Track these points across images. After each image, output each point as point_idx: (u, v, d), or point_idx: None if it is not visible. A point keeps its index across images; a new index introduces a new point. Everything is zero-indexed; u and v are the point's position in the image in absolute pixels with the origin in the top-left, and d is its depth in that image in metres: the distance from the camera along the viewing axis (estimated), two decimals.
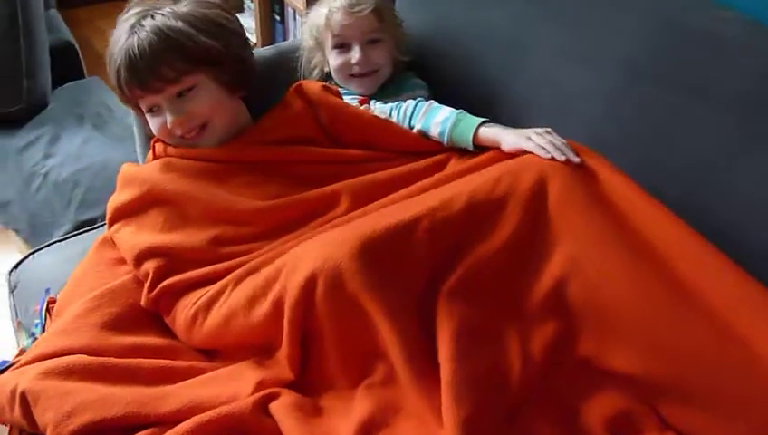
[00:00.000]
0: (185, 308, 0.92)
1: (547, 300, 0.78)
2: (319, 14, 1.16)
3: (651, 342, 0.74)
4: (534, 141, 0.89)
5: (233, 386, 0.82)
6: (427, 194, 0.89)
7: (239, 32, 1.08)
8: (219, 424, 0.76)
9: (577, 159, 0.85)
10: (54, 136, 1.78)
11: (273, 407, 0.78)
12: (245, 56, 1.07)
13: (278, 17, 1.86)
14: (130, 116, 1.93)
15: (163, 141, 1.06)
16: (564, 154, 0.86)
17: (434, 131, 1.03)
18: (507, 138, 0.94)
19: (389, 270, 0.78)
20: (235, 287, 0.89)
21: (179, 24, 0.97)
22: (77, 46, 2.05)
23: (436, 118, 1.03)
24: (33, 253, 1.20)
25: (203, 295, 0.91)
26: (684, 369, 0.73)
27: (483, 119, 0.99)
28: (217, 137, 1.03)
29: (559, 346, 0.77)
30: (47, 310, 1.03)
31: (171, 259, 0.94)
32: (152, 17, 0.97)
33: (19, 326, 1.09)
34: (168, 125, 1.00)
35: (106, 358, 0.86)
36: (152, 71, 0.95)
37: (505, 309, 0.79)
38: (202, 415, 0.77)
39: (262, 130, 1.06)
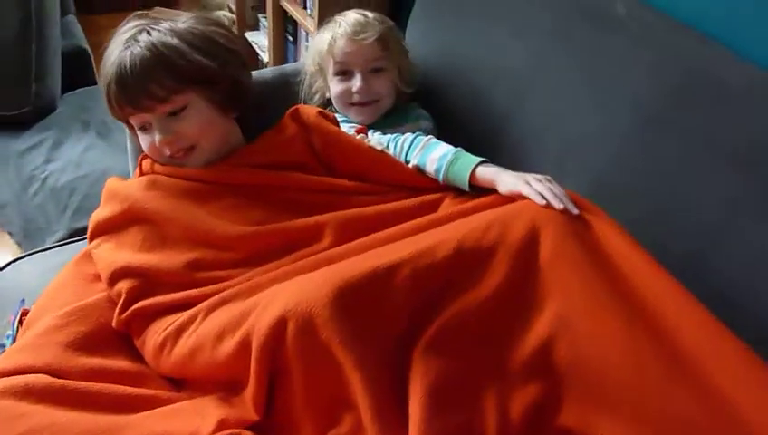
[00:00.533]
0: (155, 334, 0.88)
1: (531, 359, 0.73)
2: (322, 40, 1.14)
3: (640, 413, 0.69)
4: (533, 187, 0.85)
5: (194, 422, 0.78)
6: (413, 238, 0.85)
7: (238, 52, 1.05)
8: None
9: (575, 211, 0.81)
10: (57, 141, 1.77)
11: None
12: (241, 77, 1.05)
13: (291, 37, 1.85)
14: None
15: (151, 158, 1.04)
16: (562, 203, 0.82)
17: (430, 168, 0.99)
18: (505, 179, 0.90)
19: (364, 319, 0.74)
20: (206, 317, 0.85)
21: (174, 40, 0.95)
22: (90, 52, 2.06)
23: (433, 154, 0.99)
24: (15, 260, 1.18)
25: (173, 322, 0.87)
26: None
27: (481, 159, 0.96)
28: (205, 158, 1.01)
29: (540, 411, 0.72)
30: (20, 322, 1.00)
31: (146, 280, 0.92)
32: (148, 33, 0.95)
33: None
34: (156, 144, 0.97)
35: (67, 381, 0.82)
36: (142, 88, 0.93)
37: (486, 366, 0.75)
38: None
39: (252, 153, 1.03)
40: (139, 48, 0.94)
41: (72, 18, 2.15)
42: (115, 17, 2.92)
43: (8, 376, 0.82)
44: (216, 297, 0.87)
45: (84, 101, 1.94)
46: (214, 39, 1.00)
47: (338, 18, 1.14)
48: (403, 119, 1.18)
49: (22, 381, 0.81)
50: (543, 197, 0.82)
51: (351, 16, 1.13)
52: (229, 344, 0.79)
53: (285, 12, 1.79)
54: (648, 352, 0.71)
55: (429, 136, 1.04)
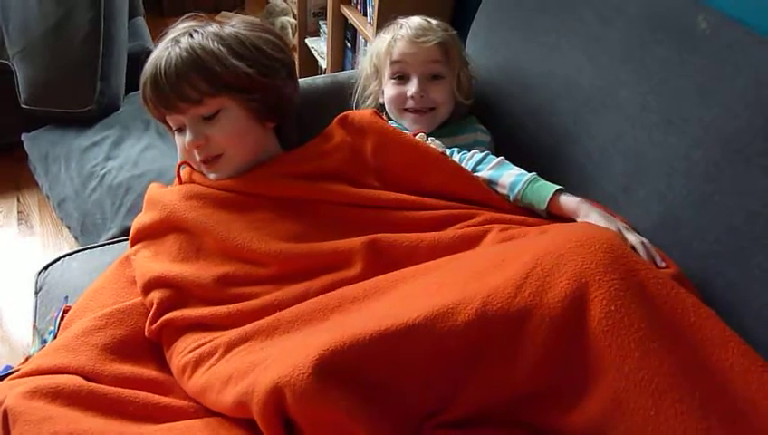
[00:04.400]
0: (179, 354, 0.86)
1: (582, 430, 0.63)
2: (382, 40, 1.10)
3: None
4: (628, 239, 0.77)
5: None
6: (437, 286, 0.72)
7: (284, 60, 1.00)
8: None
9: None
10: (118, 139, 1.80)
11: None
12: (283, 86, 1.00)
13: (349, 44, 1.82)
14: None
15: (189, 166, 1.03)
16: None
17: (504, 181, 0.94)
18: (594, 218, 0.83)
19: (364, 387, 0.65)
20: (224, 355, 0.81)
21: (214, 45, 0.93)
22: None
23: (510, 171, 0.95)
24: (63, 257, 1.18)
25: (196, 348, 0.84)
26: None
27: (560, 186, 0.91)
28: (233, 167, 0.97)
29: None
30: (62, 318, 1.00)
31: (177, 292, 0.90)
32: (191, 35, 0.94)
33: (34, 331, 1.06)
34: (186, 146, 0.95)
35: (97, 385, 0.81)
36: (175, 89, 0.91)
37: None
38: None
39: (293, 161, 0.98)
40: (178, 49, 0.92)
41: (140, 20, 2.20)
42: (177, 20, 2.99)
43: (43, 375, 0.82)
44: (237, 334, 0.82)
45: None
46: (258, 46, 0.97)
47: (401, 21, 1.10)
48: (460, 130, 1.12)
49: (54, 382, 0.80)
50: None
51: (415, 20, 1.09)
52: (231, 394, 0.74)
53: (345, 19, 1.76)
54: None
55: (502, 157, 0.98)
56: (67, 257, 1.18)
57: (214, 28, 0.95)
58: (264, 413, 0.68)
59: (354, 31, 1.76)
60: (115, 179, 1.68)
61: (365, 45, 1.71)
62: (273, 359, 0.72)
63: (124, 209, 1.61)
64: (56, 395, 0.78)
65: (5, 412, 0.76)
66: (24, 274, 1.71)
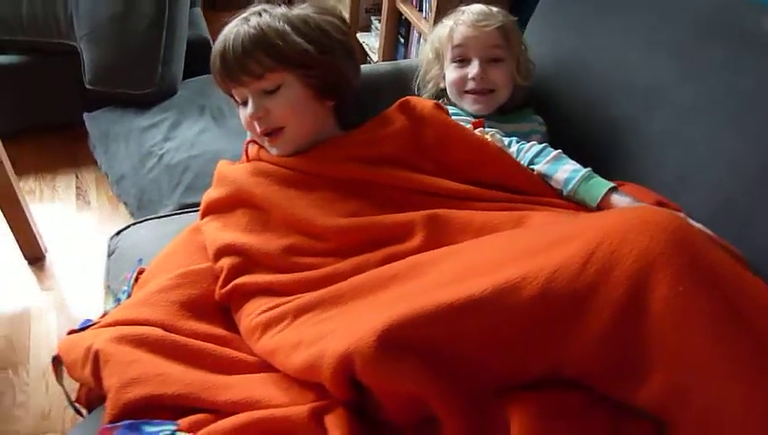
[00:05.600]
0: (248, 316, 0.90)
1: (645, 406, 0.65)
2: (444, 26, 1.14)
3: None
4: None
5: (292, 392, 0.80)
6: (501, 260, 0.72)
7: (345, 42, 1.05)
8: (273, 424, 0.73)
9: None
10: (176, 122, 1.88)
11: (329, 420, 0.74)
12: (343, 66, 1.04)
13: (402, 39, 1.88)
14: None
15: (256, 143, 1.08)
16: None
17: (559, 175, 0.97)
18: None
19: (429, 356, 0.67)
20: (292, 322, 0.85)
21: (280, 24, 0.97)
22: (212, 43, 2.18)
23: (565, 166, 0.98)
24: (133, 224, 1.25)
25: (264, 311, 0.88)
26: None
27: (614, 184, 0.94)
28: (292, 142, 1.02)
29: None
30: (136, 279, 1.06)
31: (246, 259, 0.94)
32: (260, 15, 0.99)
33: (107, 290, 1.13)
34: (248, 118, 1.01)
35: (177, 336, 0.86)
36: (239, 64, 0.96)
37: (591, 405, 0.66)
38: (258, 411, 0.75)
39: (354, 144, 1.02)
40: (246, 27, 0.97)
41: (198, 11, 2.29)
42: (235, 13, 3.09)
43: (126, 325, 0.88)
44: (305, 301, 0.87)
45: (203, 87, 2.06)
46: (322, 27, 1.01)
47: (462, 7, 1.14)
48: (518, 119, 1.16)
49: (137, 330, 0.85)
50: None
51: (476, 6, 1.13)
52: (300, 358, 0.77)
53: (400, 14, 1.82)
54: None
55: (560, 150, 1.01)
56: (137, 225, 1.24)
57: (282, 9, 1.00)
58: (334, 377, 0.72)
59: (408, 26, 1.81)
60: (173, 159, 1.75)
61: (418, 40, 1.76)
62: (341, 328, 0.76)
63: (181, 188, 1.68)
64: (141, 342, 0.84)
65: (96, 354, 0.82)
66: (81, 246, 1.79)
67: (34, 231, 1.68)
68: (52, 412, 1.38)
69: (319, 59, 0.99)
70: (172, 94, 1.98)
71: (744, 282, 0.64)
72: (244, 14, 1.02)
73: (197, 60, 2.12)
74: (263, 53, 0.96)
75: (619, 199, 0.93)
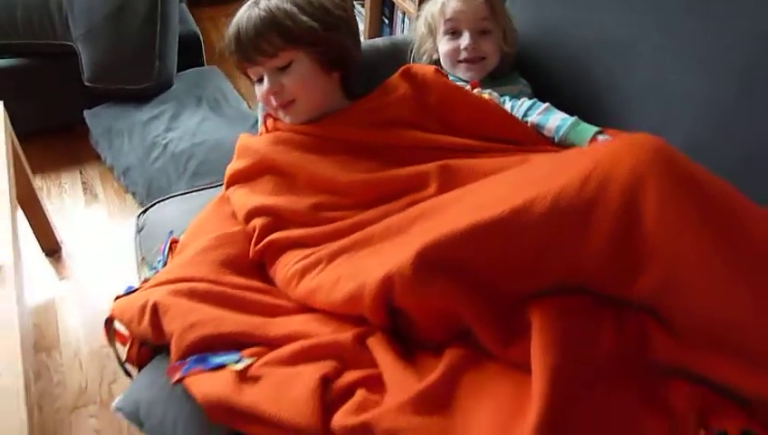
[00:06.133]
0: (284, 267, 1.00)
1: (643, 298, 0.76)
2: (435, 2, 1.25)
3: (745, 352, 0.71)
4: None
5: (332, 326, 0.90)
6: (512, 189, 0.83)
7: (346, 19, 1.14)
8: (322, 349, 0.84)
9: None
10: (176, 113, 1.96)
11: (371, 341, 0.85)
12: (346, 42, 1.13)
13: (387, 20, 1.98)
14: (243, 103, 2.11)
15: (273, 117, 1.17)
16: None
17: (550, 124, 1.09)
18: None
19: (459, 273, 0.78)
20: (328, 265, 0.95)
21: (288, 5, 1.06)
22: (201, 37, 2.26)
23: (554, 115, 1.10)
24: (157, 202, 1.33)
25: (300, 260, 0.98)
26: None
27: (600, 128, 1.05)
28: (304, 111, 1.11)
29: (652, 333, 0.75)
30: (170, 249, 1.15)
31: (276, 218, 1.04)
32: None
33: (142, 261, 1.22)
34: (264, 93, 1.10)
35: (222, 287, 0.96)
36: (253, 44, 1.06)
37: (599, 303, 0.77)
38: (308, 340, 0.85)
39: (363, 111, 1.11)
40: (257, 10, 1.06)
41: (183, 6, 2.36)
42: (218, 9, 3.16)
43: (174, 283, 0.97)
44: (337, 246, 0.96)
45: (197, 79, 2.14)
46: (324, 6, 1.10)
47: None
48: (506, 82, 1.27)
49: (187, 285, 0.95)
50: None
51: None
52: (342, 291, 0.88)
53: None
54: (762, 299, 0.70)
55: (548, 103, 1.13)
56: (162, 202, 1.33)
57: None
58: (374, 302, 0.83)
59: (392, 7, 1.91)
60: (177, 148, 1.83)
61: (403, 21, 1.86)
62: (376, 262, 0.86)
63: (188, 174, 1.77)
64: (192, 294, 0.93)
65: (155, 306, 0.91)
66: (93, 236, 1.87)
67: (51, 225, 1.75)
68: (89, 387, 1.46)
69: (324, 35, 1.08)
70: (169, 87, 2.05)
71: (718, 186, 0.76)
72: (251, 1, 1.11)
73: (188, 53, 2.21)
74: (274, 33, 1.05)
75: (604, 139, 1.04)
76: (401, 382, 0.77)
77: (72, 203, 1.97)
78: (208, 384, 0.80)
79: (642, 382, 0.75)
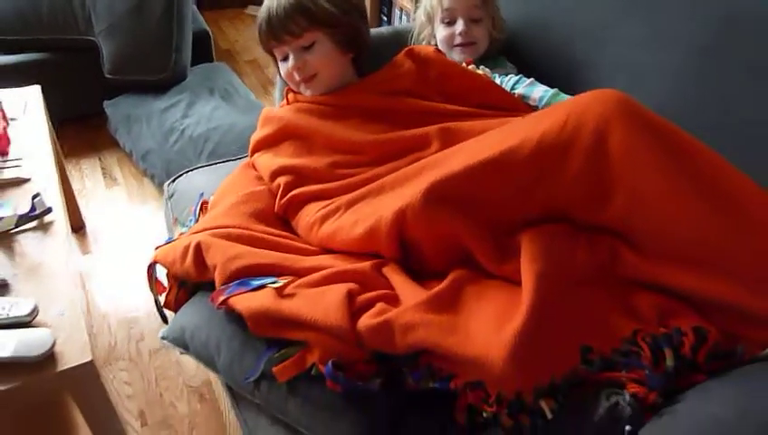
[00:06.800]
0: (306, 216, 1.15)
1: (612, 225, 0.91)
2: None
3: (703, 262, 0.85)
4: None
5: (352, 260, 1.05)
6: (502, 136, 0.99)
7: (359, 7, 1.32)
8: (345, 275, 0.98)
9: None
10: (191, 102, 2.11)
11: (386, 269, 1.01)
12: (359, 26, 1.30)
13: (385, 18, 2.15)
14: (251, 94, 2.27)
15: (293, 91, 1.33)
16: None
17: (534, 95, 1.26)
18: None
19: (462, 204, 0.93)
20: (346, 211, 1.10)
21: None
22: (211, 34, 2.42)
23: (538, 88, 1.27)
24: (184, 173, 1.48)
25: (320, 209, 1.13)
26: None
27: None
28: (323, 85, 1.27)
29: (620, 252, 0.90)
30: (201, 209, 1.30)
31: (298, 176, 1.19)
32: None
33: (175, 222, 1.36)
34: (289, 69, 1.25)
35: (254, 232, 1.11)
36: (282, 25, 1.21)
37: (575, 232, 0.92)
38: (333, 268, 1.00)
39: (374, 83, 1.28)
40: None
41: (194, 6, 2.52)
42: (221, 13, 3.32)
43: (211, 230, 1.12)
44: (354, 194, 1.12)
45: (208, 72, 2.30)
46: None
47: None
48: (494, 65, 1.44)
49: (224, 230, 1.09)
50: None
51: None
52: (361, 228, 1.03)
53: None
54: (713, 212, 0.86)
55: (532, 78, 1.30)
56: (189, 172, 1.48)
57: None
58: (389, 233, 0.98)
59: (389, 5, 2.08)
60: (194, 132, 1.99)
61: (400, 17, 2.03)
62: (390, 202, 1.02)
63: (205, 154, 1.93)
64: (229, 237, 1.08)
65: (198, 245, 1.06)
66: (114, 216, 2.00)
67: (76, 203, 1.89)
68: (117, 345, 1.60)
69: (342, 19, 1.24)
70: (183, 79, 2.21)
71: (671, 127, 0.92)
72: None
73: (200, 50, 2.36)
74: (300, 15, 1.21)
75: None
76: (414, 294, 0.92)
77: (92, 186, 2.11)
78: (251, 300, 0.95)
79: (612, 292, 0.91)
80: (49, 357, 0.96)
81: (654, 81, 1.26)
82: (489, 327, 0.84)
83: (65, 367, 0.96)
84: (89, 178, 2.14)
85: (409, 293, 0.93)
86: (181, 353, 1.10)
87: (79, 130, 2.27)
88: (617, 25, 1.33)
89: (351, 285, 0.94)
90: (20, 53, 2.11)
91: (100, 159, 2.22)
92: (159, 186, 2.02)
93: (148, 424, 1.42)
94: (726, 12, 1.14)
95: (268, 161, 1.25)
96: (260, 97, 2.52)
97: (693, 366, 0.86)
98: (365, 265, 1.01)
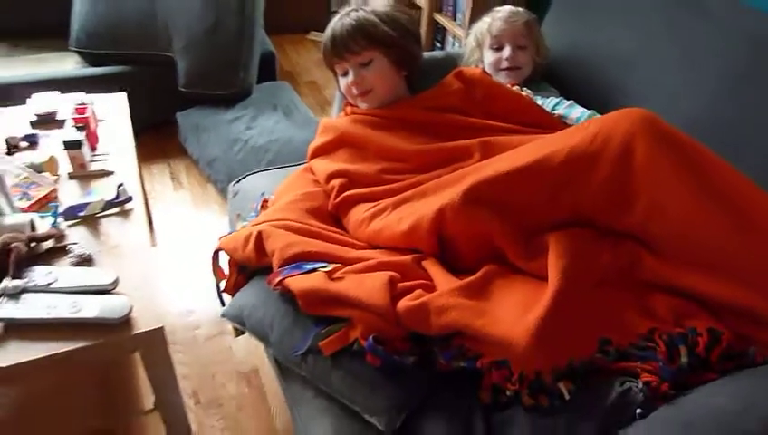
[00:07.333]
0: (356, 215, 1.27)
1: (633, 229, 1.00)
2: (484, 22, 1.55)
3: (716, 266, 0.94)
4: None
5: (396, 256, 1.16)
6: (536, 147, 1.09)
7: (413, 31, 1.45)
8: (389, 265, 1.09)
9: None
10: (255, 115, 2.29)
11: (425, 263, 1.11)
12: (413, 48, 1.43)
13: (439, 44, 2.28)
14: (309, 111, 2.43)
15: (350, 104, 1.47)
16: None
17: (573, 115, 1.36)
18: None
19: (495, 206, 1.04)
20: (393, 211, 1.22)
21: (371, 16, 1.37)
22: (277, 56, 2.61)
23: (576, 109, 1.38)
24: (248, 175, 1.63)
25: (369, 209, 1.25)
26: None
27: None
28: (377, 100, 1.40)
29: (641, 256, 0.99)
30: (261, 206, 1.44)
31: (351, 179, 1.31)
32: (356, 11, 1.39)
33: (237, 217, 1.50)
34: (348, 84, 1.39)
35: (309, 226, 1.23)
36: (344, 44, 1.35)
37: (599, 237, 1.02)
38: (378, 259, 1.11)
39: (423, 99, 1.40)
40: (348, 19, 1.37)
41: (263, 30, 2.72)
42: (285, 38, 3.54)
43: (271, 222, 1.25)
44: (399, 197, 1.24)
45: (273, 90, 2.48)
46: (397, 18, 1.40)
47: (497, 8, 1.55)
48: (537, 88, 1.55)
49: (283, 222, 1.22)
50: None
51: (507, 7, 1.54)
52: (405, 225, 1.14)
53: (437, 23, 2.23)
54: (727, 221, 0.95)
55: (572, 101, 1.40)
56: (251, 175, 1.62)
57: (370, 7, 1.40)
58: (430, 229, 1.09)
59: (443, 33, 2.21)
60: (257, 143, 2.15)
61: (452, 44, 2.16)
62: (432, 203, 1.12)
63: (264, 163, 2.08)
64: (287, 228, 1.20)
65: (260, 233, 1.19)
66: (180, 217, 2.18)
67: (148, 202, 2.07)
68: (176, 330, 1.74)
69: (398, 41, 1.38)
70: (249, 95, 2.39)
71: (691, 143, 1.01)
72: (345, 11, 1.42)
73: (265, 69, 2.55)
74: (361, 36, 1.35)
75: None
76: (448, 283, 1.02)
77: (161, 189, 2.29)
78: (303, 281, 1.06)
79: (632, 293, 0.99)
80: (127, 321, 1.10)
81: (686, 102, 1.34)
82: (515, 313, 0.93)
83: (140, 330, 1.09)
84: (158, 182, 2.33)
85: (445, 282, 1.03)
86: (235, 332, 1.23)
87: (152, 138, 2.48)
88: (646, 52, 1.43)
89: (393, 273, 1.05)
90: (107, 65, 2.34)
91: (169, 164, 2.42)
92: (222, 191, 2.19)
93: (200, 402, 1.54)
94: (755, 35, 1.22)
95: (325, 165, 1.38)
96: (317, 115, 2.69)
97: (705, 365, 0.93)
98: (406, 257, 1.12)
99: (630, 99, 1.45)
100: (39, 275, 1.15)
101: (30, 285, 1.13)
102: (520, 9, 1.56)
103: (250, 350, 1.69)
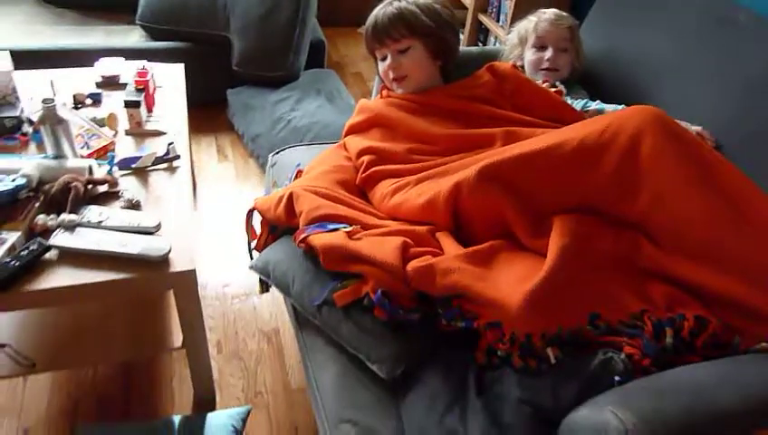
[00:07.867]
0: (381, 189, 1.36)
1: (636, 219, 1.07)
2: (529, 20, 1.63)
3: (715, 259, 1.00)
4: None
5: (405, 226, 1.25)
6: (549, 136, 1.16)
7: (451, 23, 1.52)
8: (405, 232, 1.18)
9: None
10: (299, 98, 2.41)
11: (438, 235, 1.20)
12: (450, 39, 1.51)
13: (481, 43, 2.36)
14: (352, 99, 2.54)
15: (387, 88, 1.56)
16: None
17: (607, 110, 1.44)
18: None
19: (508, 185, 1.11)
20: (414, 186, 1.30)
21: (412, 6, 1.46)
22: (326, 44, 2.73)
23: (610, 105, 1.46)
24: (287, 148, 1.74)
25: (393, 184, 1.35)
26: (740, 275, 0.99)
27: None
28: (412, 86, 1.48)
29: (641, 244, 1.06)
30: (296, 176, 1.55)
31: (380, 157, 1.40)
32: (400, 1, 1.47)
33: (274, 184, 1.62)
34: (386, 68, 1.48)
35: (337, 194, 1.33)
36: (385, 31, 1.45)
37: (602, 223, 1.08)
38: (395, 226, 1.21)
39: (455, 88, 1.48)
40: (391, 7, 1.46)
41: (315, 19, 2.85)
42: (337, 31, 3.66)
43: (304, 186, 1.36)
44: (422, 175, 1.33)
45: (319, 76, 2.60)
46: (437, 10, 1.48)
47: (542, 10, 1.63)
48: (571, 90, 1.62)
49: (312, 187, 1.33)
50: None
51: (552, 10, 1.62)
52: (423, 198, 1.22)
53: (480, 23, 2.31)
54: (725, 216, 1.01)
55: (599, 100, 1.48)
56: (289, 148, 1.74)
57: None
58: (446, 202, 1.17)
59: (486, 33, 2.29)
60: (299, 123, 2.27)
61: (494, 44, 2.24)
62: (449, 180, 1.22)
63: (303, 143, 2.19)
64: (317, 193, 1.31)
65: (291, 194, 1.30)
66: (222, 186, 2.31)
67: (193, 170, 2.21)
68: (207, 286, 1.87)
69: (435, 31, 1.47)
70: (296, 78, 2.51)
71: (697, 141, 1.07)
72: (389, 0, 1.52)
73: (315, 56, 2.68)
74: (401, 24, 1.45)
75: None
76: (457, 250, 1.11)
77: (207, 159, 2.44)
78: (325, 238, 1.16)
79: (629, 278, 1.06)
80: (165, 260, 1.22)
81: (702, 108, 1.40)
82: (513, 282, 1.01)
83: (176, 270, 1.21)
84: (205, 153, 2.47)
85: (453, 250, 1.12)
86: (261, 287, 1.34)
87: (203, 112, 2.62)
88: (672, 62, 1.49)
89: (407, 239, 1.14)
90: (168, 40, 2.50)
91: (216, 137, 2.56)
92: (262, 166, 2.32)
93: (222, 353, 1.66)
94: None
95: (358, 142, 1.48)
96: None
97: (691, 349, 0.99)
98: (422, 228, 1.21)
99: (658, 106, 1.50)
100: (93, 213, 1.29)
101: (84, 220, 1.27)
102: (565, 13, 1.63)
103: (273, 312, 1.80)
